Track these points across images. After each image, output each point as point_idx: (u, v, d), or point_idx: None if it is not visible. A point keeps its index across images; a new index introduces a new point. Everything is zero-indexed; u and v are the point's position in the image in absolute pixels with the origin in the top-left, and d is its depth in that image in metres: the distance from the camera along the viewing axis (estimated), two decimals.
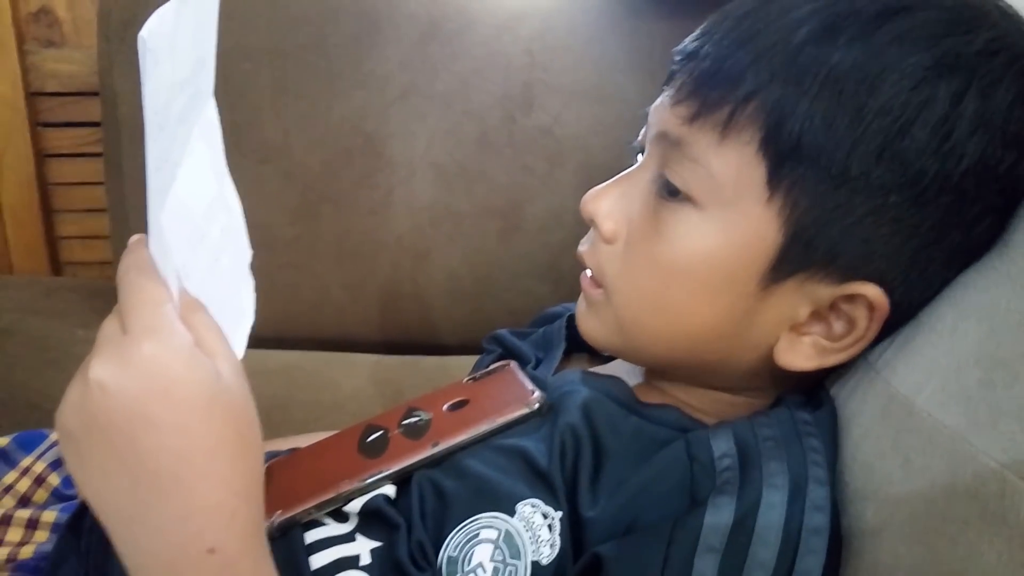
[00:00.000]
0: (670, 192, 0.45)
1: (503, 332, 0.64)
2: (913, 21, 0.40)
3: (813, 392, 0.47)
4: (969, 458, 0.34)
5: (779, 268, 0.43)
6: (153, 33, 0.29)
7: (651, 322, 0.47)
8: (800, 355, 0.45)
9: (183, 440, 0.32)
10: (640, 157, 0.49)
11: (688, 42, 0.46)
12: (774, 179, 0.41)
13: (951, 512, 0.34)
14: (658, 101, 0.47)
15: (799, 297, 0.44)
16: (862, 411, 0.43)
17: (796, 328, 0.45)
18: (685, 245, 0.44)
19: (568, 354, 0.60)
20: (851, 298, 0.43)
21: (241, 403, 0.34)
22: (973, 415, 0.35)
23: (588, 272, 0.51)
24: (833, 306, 0.43)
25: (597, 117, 0.85)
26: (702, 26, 0.46)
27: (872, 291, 0.42)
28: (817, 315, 0.44)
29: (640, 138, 0.50)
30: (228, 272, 0.40)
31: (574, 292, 0.68)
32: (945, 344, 0.39)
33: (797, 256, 0.42)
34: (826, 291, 0.43)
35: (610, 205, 0.48)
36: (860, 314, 0.43)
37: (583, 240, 0.52)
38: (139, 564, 0.33)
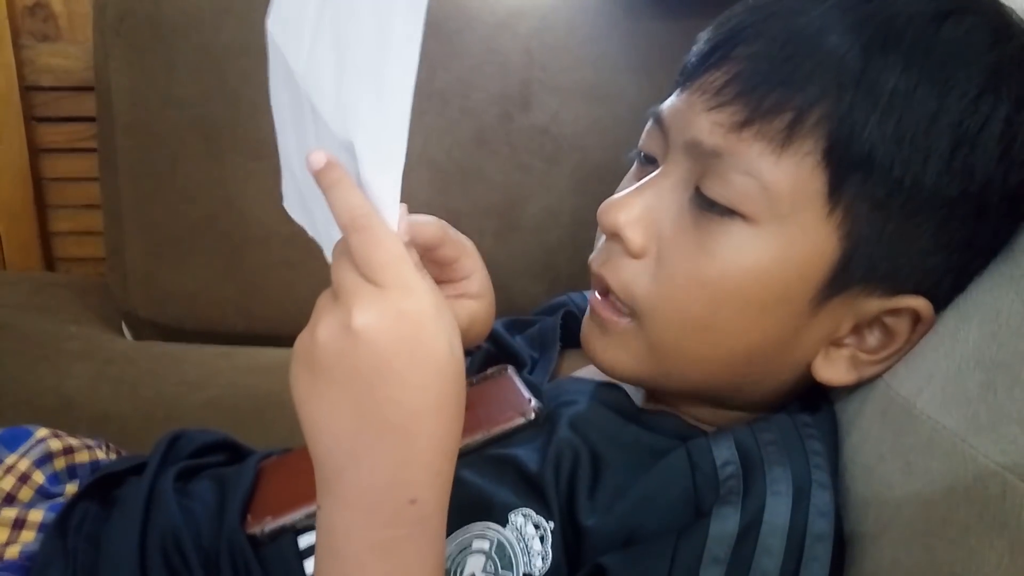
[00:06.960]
0: (710, 205, 0.41)
1: (495, 325, 0.63)
2: (965, 24, 0.39)
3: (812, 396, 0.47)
4: (969, 460, 0.33)
5: (834, 284, 0.41)
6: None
7: (693, 346, 0.43)
8: (839, 369, 0.43)
9: (418, 398, 0.33)
10: (638, 162, 0.47)
11: (713, 39, 0.43)
12: (836, 191, 0.39)
13: (951, 515, 0.34)
14: (678, 102, 0.44)
15: (846, 311, 0.42)
16: (862, 414, 0.42)
17: (834, 342, 0.43)
18: (737, 263, 0.41)
19: (562, 351, 0.59)
20: (895, 310, 0.41)
21: (461, 368, 0.35)
22: (973, 417, 0.34)
23: (601, 292, 0.46)
24: (875, 318, 0.42)
25: (595, 116, 0.85)
26: (725, 23, 0.43)
27: (921, 304, 0.40)
28: (856, 328, 0.42)
29: (642, 143, 0.47)
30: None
31: (570, 292, 0.68)
32: (946, 346, 0.39)
33: (855, 271, 0.40)
34: (874, 305, 0.41)
35: (634, 216, 0.43)
36: (902, 327, 0.41)
37: (596, 252, 0.46)
38: (343, 496, 0.34)
